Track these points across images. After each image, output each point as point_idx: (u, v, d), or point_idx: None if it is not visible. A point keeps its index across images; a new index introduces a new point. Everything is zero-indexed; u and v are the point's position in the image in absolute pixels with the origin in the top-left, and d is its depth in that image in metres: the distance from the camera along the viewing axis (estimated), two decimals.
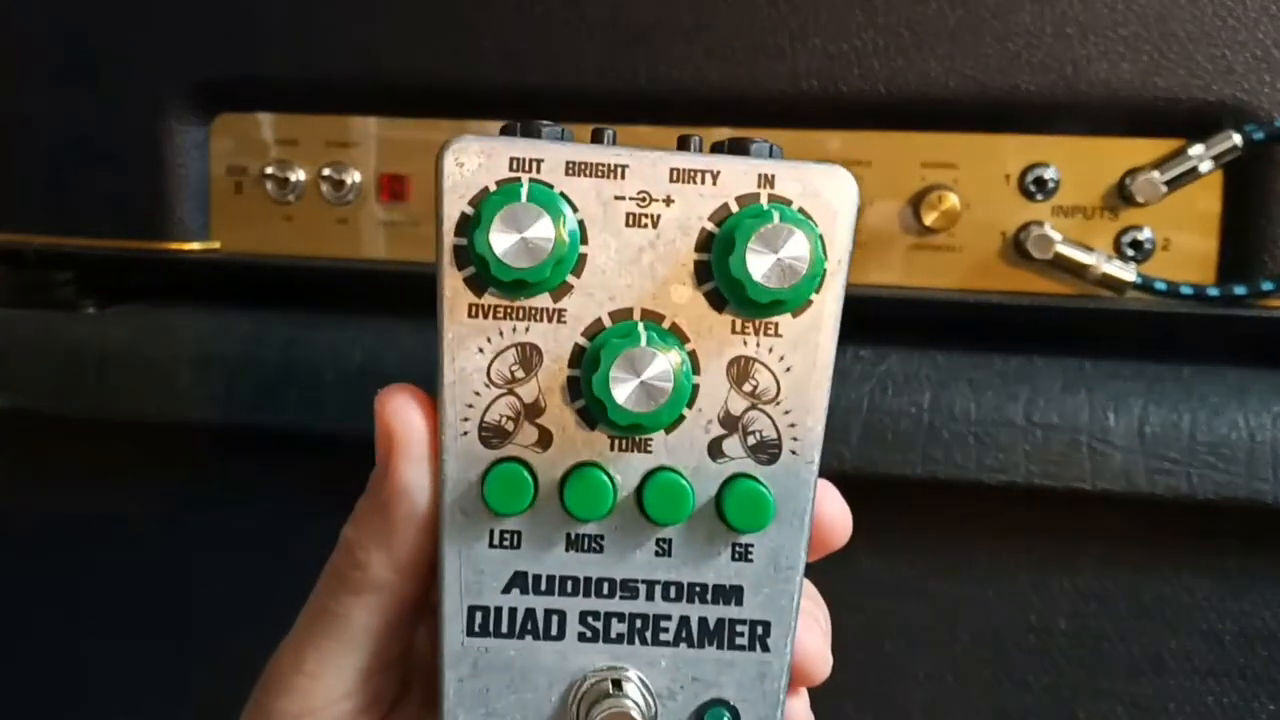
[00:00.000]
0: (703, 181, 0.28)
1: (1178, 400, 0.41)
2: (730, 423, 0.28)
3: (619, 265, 0.28)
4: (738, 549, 0.28)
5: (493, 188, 0.27)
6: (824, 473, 0.30)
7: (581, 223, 0.28)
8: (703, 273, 0.28)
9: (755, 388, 0.28)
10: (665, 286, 0.28)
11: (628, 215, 0.28)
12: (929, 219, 0.44)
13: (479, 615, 0.29)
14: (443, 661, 0.29)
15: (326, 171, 0.48)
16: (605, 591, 0.29)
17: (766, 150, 0.28)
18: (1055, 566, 0.44)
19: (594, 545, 0.28)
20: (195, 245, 0.49)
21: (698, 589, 0.29)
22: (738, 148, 0.28)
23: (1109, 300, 0.44)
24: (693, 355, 0.28)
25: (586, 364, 0.27)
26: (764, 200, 0.27)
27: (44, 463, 0.52)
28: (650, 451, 0.28)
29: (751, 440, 0.28)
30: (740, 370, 0.28)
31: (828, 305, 0.28)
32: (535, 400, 0.28)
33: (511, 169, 0.27)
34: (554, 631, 0.29)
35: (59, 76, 0.49)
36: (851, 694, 0.46)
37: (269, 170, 0.48)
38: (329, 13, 0.46)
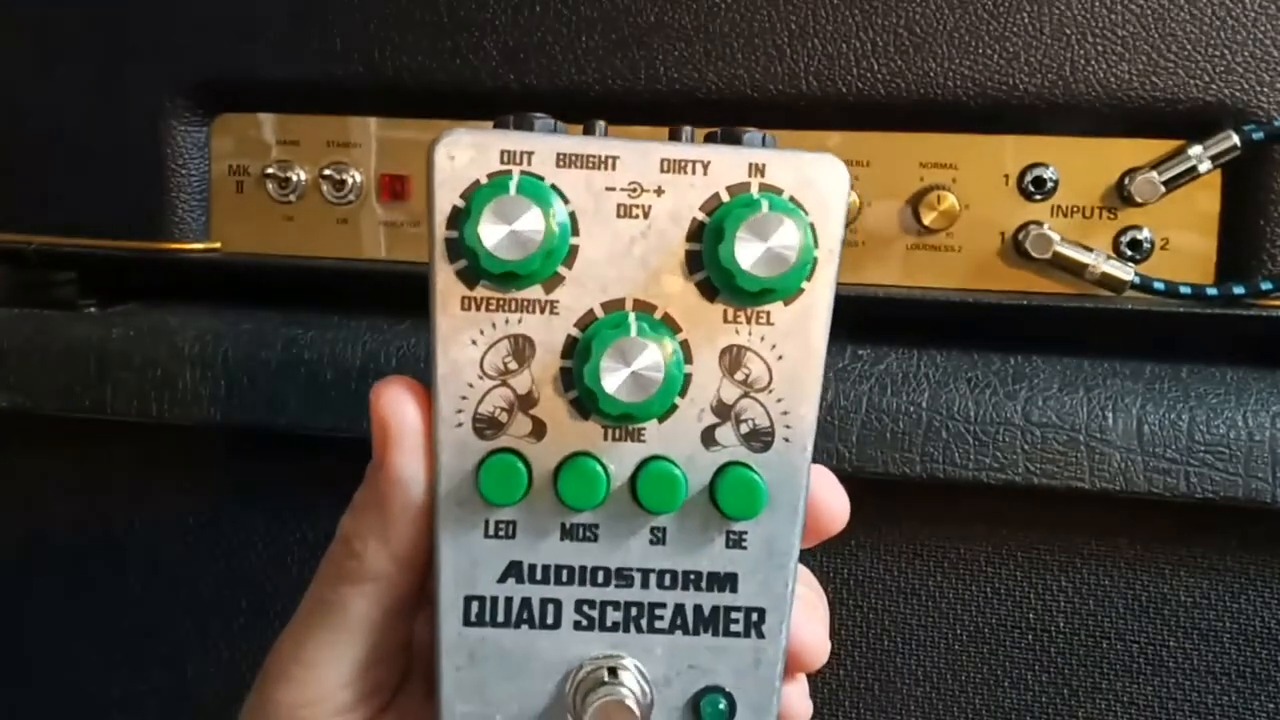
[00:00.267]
0: (693, 172, 0.28)
1: (1176, 400, 0.41)
2: (723, 411, 0.28)
3: (610, 256, 0.28)
4: (732, 536, 0.29)
5: (484, 180, 0.27)
6: None
7: (573, 214, 0.28)
8: (694, 262, 0.28)
9: (748, 376, 0.28)
10: (657, 277, 0.28)
11: (619, 206, 0.28)
12: (928, 219, 0.44)
13: (475, 605, 0.29)
14: (439, 651, 0.29)
15: (327, 171, 0.48)
16: (600, 580, 0.29)
17: (759, 139, 0.28)
18: (1053, 565, 0.44)
19: (589, 534, 0.29)
20: (195, 245, 0.49)
21: (692, 576, 0.29)
22: (730, 137, 0.28)
23: (1108, 300, 0.44)
24: (685, 345, 0.28)
25: (578, 355, 0.28)
26: (755, 189, 0.28)
27: (44, 463, 0.52)
28: (644, 441, 0.28)
29: (744, 428, 0.28)
30: (733, 359, 0.28)
31: (819, 293, 0.28)
32: (528, 391, 0.28)
33: (502, 162, 0.27)
34: (550, 620, 0.29)
35: (59, 76, 0.49)
36: (851, 693, 0.46)
37: (270, 170, 0.49)
38: (329, 13, 0.46)
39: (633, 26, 0.44)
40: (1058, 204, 0.44)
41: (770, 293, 0.27)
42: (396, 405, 0.28)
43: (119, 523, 0.51)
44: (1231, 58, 0.42)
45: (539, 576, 0.29)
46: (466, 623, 0.29)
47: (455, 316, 0.28)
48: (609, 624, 0.29)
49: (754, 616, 0.29)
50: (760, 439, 0.28)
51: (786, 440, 0.28)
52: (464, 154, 0.27)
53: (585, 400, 0.28)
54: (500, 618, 0.29)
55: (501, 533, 0.29)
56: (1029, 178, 0.44)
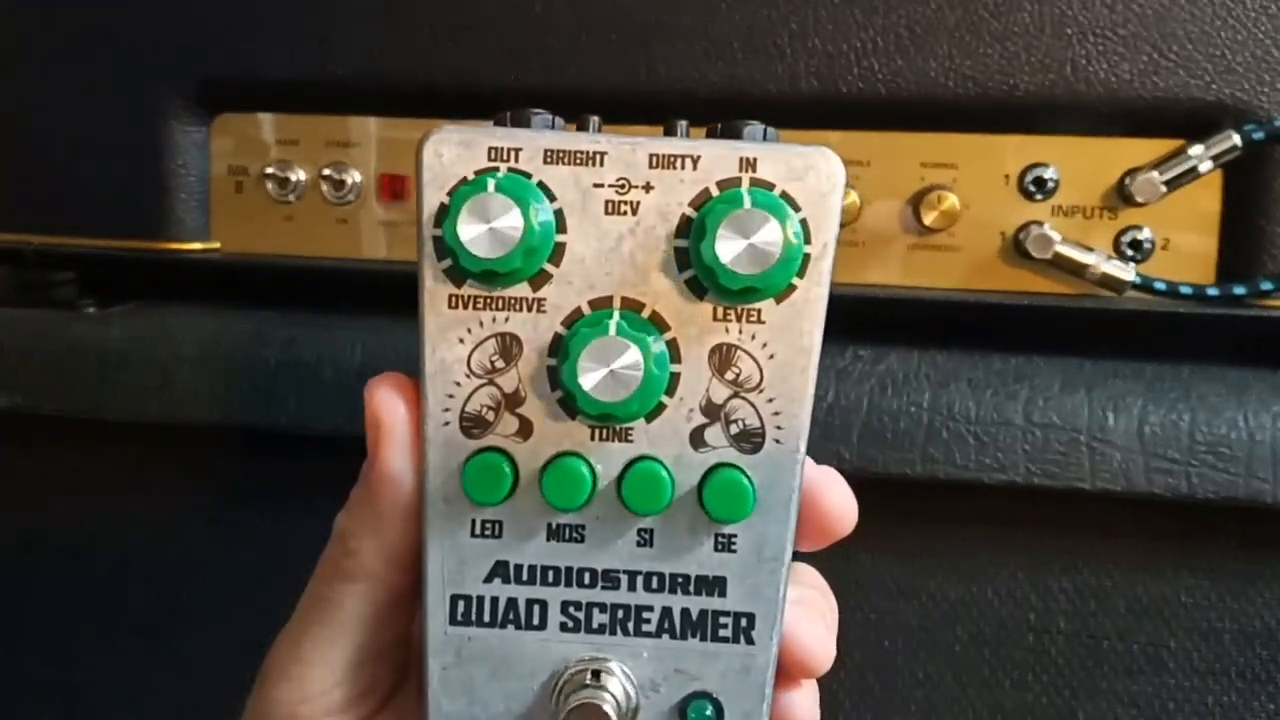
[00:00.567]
0: (683, 167, 0.27)
1: (1177, 400, 0.41)
2: (712, 411, 0.28)
3: (598, 254, 0.27)
4: (720, 539, 0.28)
5: (470, 178, 0.27)
6: None
7: (560, 211, 0.27)
8: (683, 260, 0.27)
9: (738, 376, 0.28)
10: (645, 274, 0.27)
11: (607, 203, 0.27)
12: (929, 219, 0.44)
13: (461, 604, 0.29)
14: (427, 650, 0.29)
15: (327, 171, 0.48)
16: (587, 581, 0.28)
17: (760, 133, 0.28)
18: (1054, 566, 0.44)
19: (575, 535, 0.28)
20: (195, 245, 0.49)
21: (680, 580, 0.28)
22: (731, 131, 0.28)
23: (1108, 300, 0.44)
24: (673, 344, 0.27)
25: (560, 354, 0.27)
26: (745, 184, 0.27)
27: (44, 463, 0.52)
28: (631, 441, 0.28)
29: (734, 429, 0.28)
30: (722, 358, 0.28)
31: (812, 290, 0.27)
32: (515, 390, 0.28)
33: (490, 159, 0.27)
34: (536, 621, 0.29)
35: (59, 76, 0.49)
36: (851, 694, 0.46)
37: (269, 170, 0.48)
38: (329, 13, 0.46)
39: (633, 26, 0.44)
40: (1058, 204, 0.44)
41: (755, 290, 0.27)
42: (388, 402, 0.28)
43: (119, 523, 0.51)
44: (1232, 58, 0.42)
45: (525, 577, 0.28)
46: (453, 622, 0.29)
47: (443, 315, 0.28)
48: (595, 626, 0.29)
49: (743, 622, 0.28)
50: (750, 440, 0.28)
51: (778, 441, 0.28)
52: (452, 151, 0.27)
53: (570, 401, 0.27)
54: (486, 617, 0.29)
55: (488, 532, 0.28)
56: (1029, 178, 0.44)
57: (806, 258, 0.27)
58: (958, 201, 0.44)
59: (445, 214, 0.27)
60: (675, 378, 0.28)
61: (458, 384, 0.28)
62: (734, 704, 0.28)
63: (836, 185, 0.27)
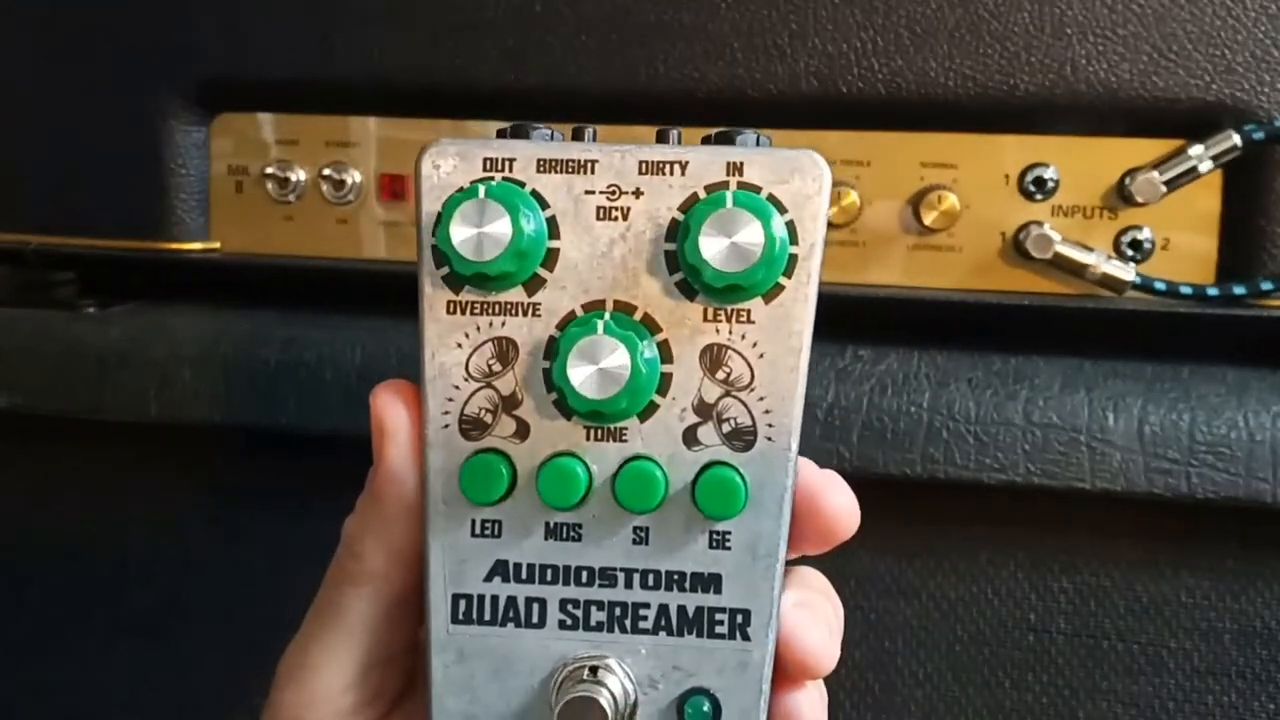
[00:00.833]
0: (671, 173, 0.28)
1: (1177, 400, 0.41)
2: (704, 410, 0.28)
3: (591, 258, 0.28)
4: (714, 537, 0.29)
5: (466, 187, 0.28)
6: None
7: (553, 218, 0.28)
8: (672, 262, 0.28)
9: (729, 375, 0.28)
10: (636, 277, 0.28)
11: (598, 209, 0.28)
12: (929, 219, 0.44)
13: (462, 603, 0.29)
14: (429, 648, 0.29)
15: (327, 171, 0.48)
16: (584, 580, 0.29)
17: (753, 140, 0.29)
18: (1054, 566, 0.44)
19: (572, 534, 0.29)
20: (195, 245, 0.49)
21: (676, 577, 0.29)
22: (725, 138, 0.29)
23: (1108, 300, 0.44)
24: (664, 344, 0.28)
25: (552, 354, 0.28)
26: (732, 188, 0.28)
27: (44, 463, 0.52)
28: (625, 440, 0.28)
29: (726, 427, 0.28)
30: (713, 358, 0.28)
31: (800, 290, 0.28)
32: (512, 393, 0.29)
33: (485, 169, 0.28)
34: (535, 619, 0.29)
35: (59, 76, 0.49)
36: (851, 693, 0.46)
37: (269, 170, 0.49)
38: (329, 13, 0.46)
39: (633, 26, 0.44)
40: (1058, 204, 0.44)
41: (740, 289, 0.27)
42: (391, 406, 0.29)
43: (119, 523, 0.51)
44: (1232, 58, 0.42)
45: (524, 575, 0.29)
46: (455, 620, 0.29)
47: (441, 320, 0.29)
48: (593, 624, 0.29)
49: (739, 618, 0.29)
50: (742, 438, 0.28)
51: (769, 439, 0.28)
52: (448, 162, 0.28)
53: (562, 400, 0.28)
54: (487, 616, 0.29)
55: (487, 532, 0.29)
56: (1029, 178, 0.44)
57: (794, 258, 0.28)
58: (958, 201, 0.44)
59: (439, 221, 0.28)
60: (667, 378, 0.28)
61: (456, 387, 0.29)
62: (731, 700, 0.29)
63: (823, 187, 0.28)
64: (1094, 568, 0.44)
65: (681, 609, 0.29)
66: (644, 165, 0.28)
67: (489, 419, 0.29)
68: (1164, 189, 0.43)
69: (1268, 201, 0.42)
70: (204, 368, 0.46)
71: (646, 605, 0.29)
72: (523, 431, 0.29)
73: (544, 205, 0.28)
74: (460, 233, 0.27)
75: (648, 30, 0.44)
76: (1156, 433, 0.41)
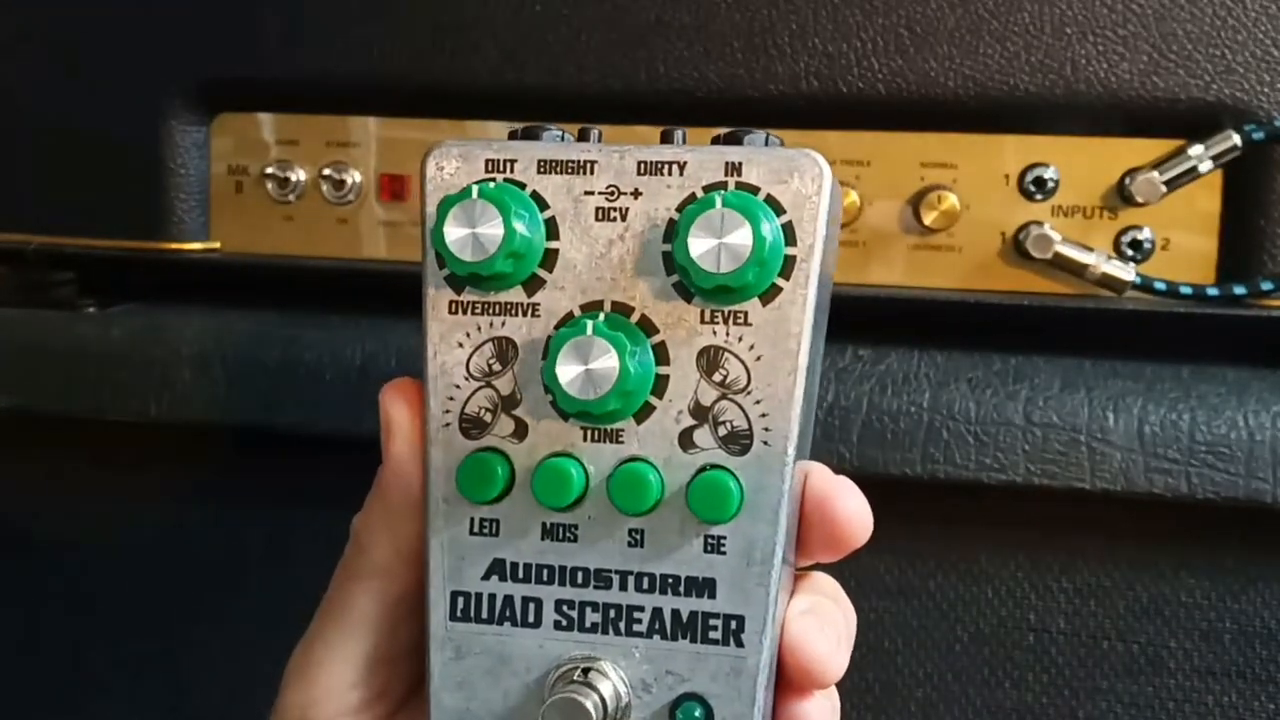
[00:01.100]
0: (670, 173, 0.28)
1: (1177, 400, 0.41)
2: (701, 413, 0.28)
3: (589, 259, 0.28)
4: (709, 541, 0.28)
5: (464, 189, 0.28)
6: None
7: (552, 219, 0.28)
8: (669, 263, 0.28)
9: (725, 377, 0.28)
10: (634, 279, 0.28)
11: (597, 210, 0.28)
12: (929, 219, 0.44)
13: (461, 601, 0.29)
14: (429, 645, 0.29)
15: (327, 171, 0.48)
16: (580, 581, 0.29)
17: (762, 140, 0.28)
18: (1054, 566, 0.44)
19: (568, 535, 0.29)
20: (195, 245, 0.49)
21: (670, 580, 0.29)
22: (734, 139, 0.29)
23: (1108, 300, 0.44)
24: (661, 346, 0.28)
25: (546, 354, 0.28)
26: (730, 188, 0.28)
27: (44, 463, 0.52)
28: (622, 442, 0.28)
29: (722, 431, 0.28)
30: (710, 360, 0.28)
31: (799, 292, 0.28)
32: (511, 392, 0.29)
33: (487, 170, 0.29)
34: (531, 619, 0.29)
35: (59, 76, 0.49)
36: (851, 693, 0.46)
37: (269, 170, 0.49)
38: (329, 13, 0.46)
39: (633, 26, 0.44)
40: (1058, 204, 0.44)
41: (731, 291, 0.27)
42: (398, 403, 0.30)
43: (119, 523, 0.51)
44: (1231, 58, 0.42)
45: (521, 575, 0.29)
46: (453, 618, 0.29)
47: (444, 320, 0.29)
48: (588, 625, 0.29)
49: (733, 624, 0.28)
50: (738, 441, 0.28)
51: (766, 444, 0.28)
52: (452, 164, 0.29)
53: (554, 400, 0.28)
54: (484, 614, 0.29)
55: (486, 530, 0.29)
56: (1029, 178, 0.44)
57: (791, 260, 0.27)
58: (958, 201, 0.44)
59: (435, 222, 0.28)
60: (664, 379, 0.28)
61: (457, 386, 0.29)
62: (724, 707, 0.28)
63: (822, 188, 0.27)
64: (1094, 568, 0.44)
65: (675, 613, 0.29)
66: (643, 166, 0.28)
67: (488, 418, 0.29)
68: (1164, 189, 0.43)
69: (1268, 201, 0.42)
70: (204, 368, 0.46)
71: (641, 608, 0.29)
72: (521, 431, 0.29)
73: (544, 206, 0.28)
74: (454, 233, 0.27)
75: (648, 30, 0.44)
76: (1156, 433, 0.41)
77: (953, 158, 0.44)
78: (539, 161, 0.28)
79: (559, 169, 0.28)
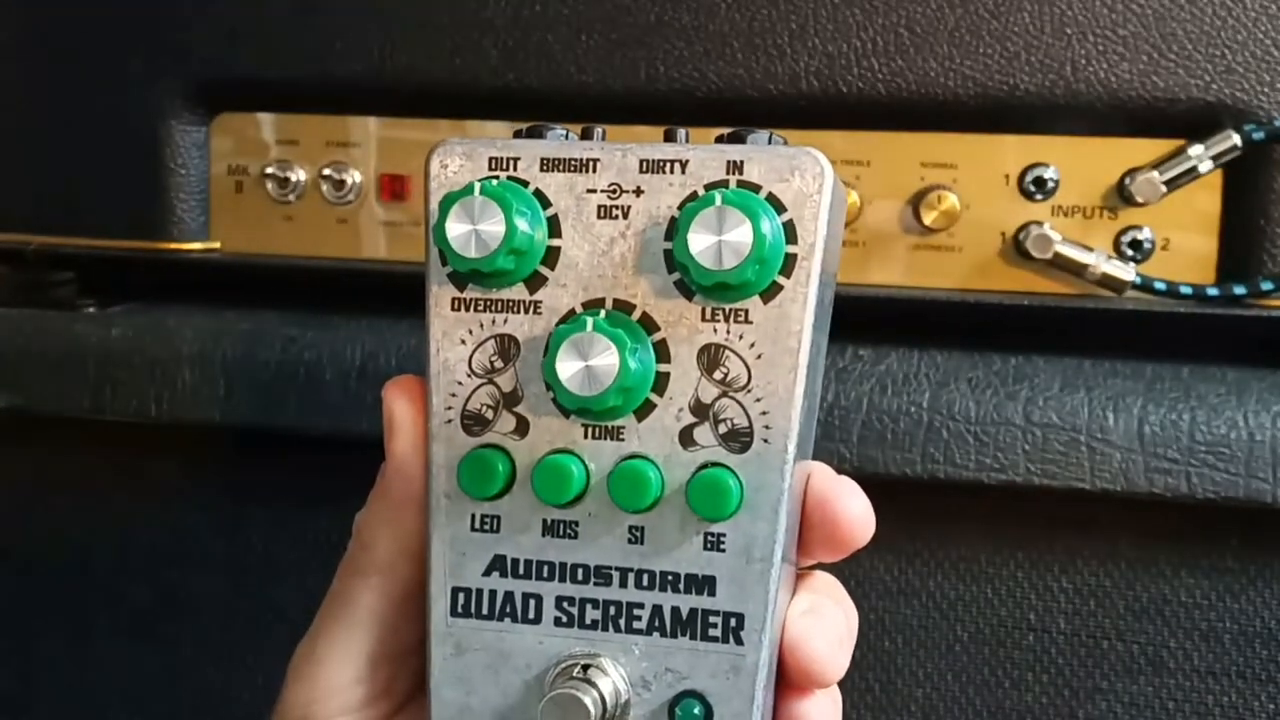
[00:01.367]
0: (672, 171, 0.28)
1: (1177, 400, 0.41)
2: (701, 411, 0.28)
3: (591, 257, 0.28)
4: (709, 538, 0.28)
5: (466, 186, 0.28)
6: None
7: (554, 217, 0.28)
8: (671, 261, 0.28)
9: (726, 375, 0.28)
10: (636, 276, 0.28)
11: (599, 208, 0.28)
12: (929, 219, 0.44)
13: (461, 596, 0.29)
14: (429, 640, 0.29)
15: (327, 171, 0.48)
16: (580, 577, 0.29)
17: (765, 139, 0.28)
18: (1054, 565, 0.44)
19: (569, 531, 0.29)
20: (195, 245, 0.49)
21: (670, 578, 0.29)
22: (737, 138, 0.29)
23: (1108, 300, 0.44)
24: (662, 344, 0.28)
25: (546, 351, 0.28)
26: (732, 186, 0.28)
27: (44, 463, 0.52)
28: (623, 440, 0.28)
29: (722, 428, 0.28)
30: (711, 358, 0.28)
31: (800, 291, 0.28)
32: (513, 389, 0.29)
33: (490, 168, 0.29)
34: (531, 615, 0.29)
35: (59, 76, 0.49)
36: (851, 693, 0.46)
37: (269, 170, 0.49)
38: (329, 12, 0.46)
39: (633, 26, 0.44)
40: (1058, 204, 0.44)
41: (730, 288, 0.27)
42: (400, 400, 0.30)
43: (119, 523, 0.51)
44: (1231, 58, 0.42)
45: (521, 571, 0.29)
46: (454, 613, 0.29)
47: (446, 317, 0.29)
48: (588, 622, 0.29)
49: (732, 622, 0.28)
50: (738, 439, 0.28)
51: (766, 441, 0.28)
52: (455, 162, 0.29)
53: (555, 396, 0.28)
54: (485, 610, 0.29)
55: (487, 526, 0.29)
56: (1029, 178, 0.44)
57: (791, 258, 0.27)
58: (958, 201, 0.44)
59: (437, 218, 0.28)
60: (664, 377, 0.28)
61: (460, 383, 0.29)
62: (723, 705, 0.28)
63: (824, 186, 0.27)
64: (1094, 568, 0.44)
65: (675, 610, 0.29)
66: (645, 164, 0.28)
67: (490, 415, 0.29)
68: (1164, 189, 0.43)
69: (1268, 201, 0.42)
70: (204, 368, 0.46)
71: (641, 605, 0.29)
72: (522, 428, 0.29)
73: (546, 204, 0.28)
74: (456, 230, 0.28)
75: (648, 30, 0.44)
76: (1156, 433, 0.41)
77: (953, 158, 0.44)
78: (542, 160, 0.29)
79: (561, 167, 0.28)
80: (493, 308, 0.29)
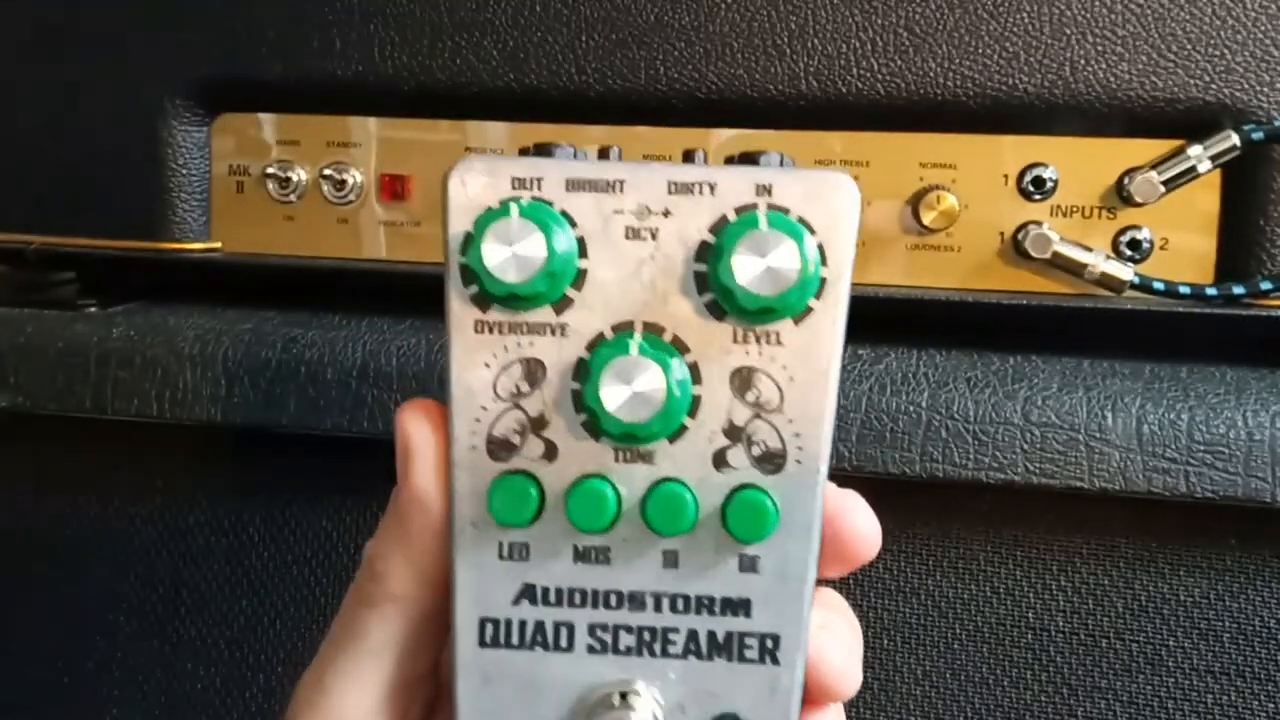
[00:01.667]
0: (700, 193, 0.28)
1: (1175, 399, 0.41)
2: (734, 433, 0.28)
3: (619, 279, 0.28)
4: (744, 560, 0.28)
5: (495, 206, 0.28)
6: None
7: (581, 238, 0.28)
8: (701, 283, 0.28)
9: (758, 397, 0.28)
10: (665, 298, 0.28)
11: (627, 229, 0.28)
12: (928, 219, 0.44)
13: (490, 627, 0.29)
14: (455, 672, 0.29)
15: (327, 171, 0.48)
16: (613, 603, 0.29)
17: (776, 160, 0.28)
18: (1053, 565, 0.45)
19: (601, 557, 0.28)
20: (196, 245, 0.49)
21: (705, 601, 0.28)
22: (748, 159, 0.29)
23: (1107, 300, 0.44)
24: (693, 366, 0.28)
25: (583, 376, 0.28)
26: (762, 209, 0.27)
27: (44, 463, 0.52)
28: (654, 463, 0.28)
29: (756, 450, 0.28)
30: (743, 380, 0.28)
31: (830, 312, 0.28)
32: (540, 414, 0.28)
33: (514, 188, 0.28)
34: (563, 643, 0.29)
35: (59, 76, 0.49)
36: None
37: (270, 170, 0.49)
38: (329, 13, 0.46)
39: (633, 26, 0.44)
40: (1057, 204, 0.44)
41: (773, 311, 0.27)
42: (418, 425, 0.29)
43: (119, 523, 0.51)
44: (1231, 58, 0.42)
45: (552, 599, 0.29)
46: (482, 644, 0.29)
47: (469, 340, 0.28)
48: (622, 648, 0.29)
49: (769, 643, 0.28)
50: (772, 461, 0.28)
51: (799, 462, 0.28)
52: (476, 181, 0.28)
53: (593, 421, 0.28)
54: (514, 640, 0.29)
55: (515, 555, 0.28)
56: (1029, 178, 0.44)
57: (824, 281, 0.27)
58: (957, 201, 0.44)
59: (470, 241, 0.27)
60: (696, 400, 0.28)
61: (484, 408, 0.28)
62: None
63: (852, 209, 0.28)
64: (1092, 567, 0.44)
65: (711, 633, 0.28)
66: (673, 186, 0.28)
67: (517, 440, 0.28)
68: (1163, 189, 0.43)
69: (1267, 201, 0.42)
70: (204, 368, 0.46)
71: (675, 629, 0.28)
72: (551, 453, 0.28)
73: (572, 224, 0.28)
74: (494, 252, 0.27)
75: (648, 30, 0.44)
76: (1155, 432, 0.41)
77: (952, 158, 0.44)
78: (567, 180, 0.28)
79: (588, 187, 0.28)
80: (518, 330, 0.28)
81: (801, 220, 0.27)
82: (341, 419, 0.45)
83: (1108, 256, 0.44)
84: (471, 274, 0.27)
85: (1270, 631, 0.43)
